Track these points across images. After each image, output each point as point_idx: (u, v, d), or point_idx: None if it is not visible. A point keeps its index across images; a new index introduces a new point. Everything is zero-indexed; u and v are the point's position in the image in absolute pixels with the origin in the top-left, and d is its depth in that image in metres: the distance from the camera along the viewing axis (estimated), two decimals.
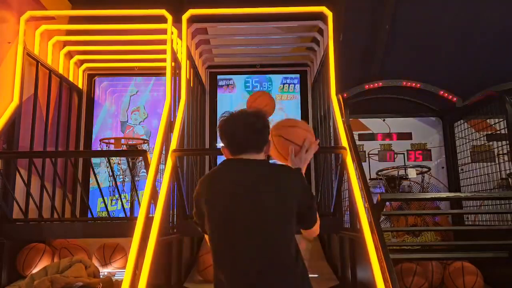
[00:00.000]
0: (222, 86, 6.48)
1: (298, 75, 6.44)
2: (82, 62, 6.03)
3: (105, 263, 4.56)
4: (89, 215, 5.13)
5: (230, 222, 1.70)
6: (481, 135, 5.13)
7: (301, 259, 1.74)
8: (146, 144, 5.47)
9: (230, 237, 1.69)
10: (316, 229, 1.88)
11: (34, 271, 4.03)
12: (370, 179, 5.32)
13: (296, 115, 6.30)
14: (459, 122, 5.50)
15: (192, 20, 4.85)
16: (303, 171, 1.92)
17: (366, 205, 3.34)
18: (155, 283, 3.10)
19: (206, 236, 1.88)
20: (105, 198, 4.51)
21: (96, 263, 4.41)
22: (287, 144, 1.96)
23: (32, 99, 4.77)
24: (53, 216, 4.69)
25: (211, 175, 1.89)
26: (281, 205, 1.70)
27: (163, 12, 4.69)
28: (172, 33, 4.70)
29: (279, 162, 2.00)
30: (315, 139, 2.03)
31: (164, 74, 4.59)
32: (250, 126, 1.80)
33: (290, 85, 6.41)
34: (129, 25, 5.14)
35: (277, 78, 6.47)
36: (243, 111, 1.88)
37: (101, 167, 5.85)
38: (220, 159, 6.04)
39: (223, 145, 1.87)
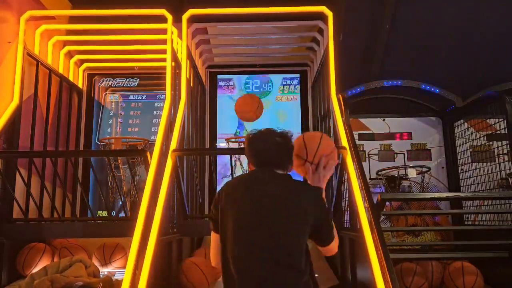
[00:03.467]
0: (222, 86, 6.49)
1: (298, 75, 6.44)
2: (82, 62, 6.03)
3: (105, 263, 4.55)
4: (89, 215, 5.16)
5: (249, 224, 1.75)
6: (481, 135, 5.13)
7: (311, 273, 1.77)
8: (147, 144, 5.47)
9: (247, 238, 1.73)
10: (333, 246, 1.90)
11: (34, 270, 4.02)
12: (370, 179, 5.32)
13: (296, 115, 6.30)
14: (459, 122, 5.50)
15: (192, 20, 4.85)
16: (323, 187, 1.96)
17: (366, 205, 3.34)
18: (155, 283, 3.10)
19: (213, 236, 1.92)
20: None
21: (96, 263, 4.40)
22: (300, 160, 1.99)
23: (32, 99, 4.77)
24: (53, 216, 4.69)
25: (235, 178, 1.99)
26: (298, 218, 1.75)
27: (163, 12, 4.69)
28: (172, 33, 4.70)
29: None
30: (336, 156, 2.06)
31: (164, 75, 4.59)
32: (277, 146, 1.89)
33: (290, 85, 6.40)
34: (129, 25, 5.14)
35: (277, 78, 6.47)
36: (271, 130, 1.95)
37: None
38: (220, 159, 6.05)
39: (248, 161, 1.97)
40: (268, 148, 1.88)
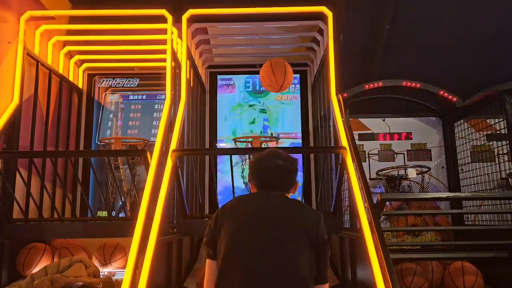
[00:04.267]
0: (222, 86, 6.49)
1: (298, 75, 6.43)
2: (82, 62, 6.03)
3: (105, 263, 4.55)
4: (89, 215, 5.16)
5: (250, 241, 1.74)
6: (481, 135, 5.13)
7: None
8: (147, 144, 5.47)
9: (248, 257, 1.72)
10: None
11: (34, 271, 4.02)
12: (370, 179, 5.32)
13: (296, 115, 6.30)
14: (459, 122, 5.50)
15: (192, 20, 4.85)
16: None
17: (366, 205, 3.34)
18: (155, 283, 3.10)
19: (209, 265, 1.91)
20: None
21: (96, 263, 4.41)
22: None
23: (32, 99, 4.77)
24: (53, 216, 4.69)
25: (239, 198, 2.00)
26: (298, 234, 1.75)
27: (163, 12, 4.69)
28: (172, 33, 4.70)
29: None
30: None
31: (164, 75, 4.59)
32: (280, 169, 1.91)
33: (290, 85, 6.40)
34: (129, 25, 5.13)
35: None
36: (273, 153, 1.98)
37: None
38: (220, 158, 6.05)
39: (251, 182, 1.98)
40: (269, 171, 1.91)
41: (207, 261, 1.91)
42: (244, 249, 1.72)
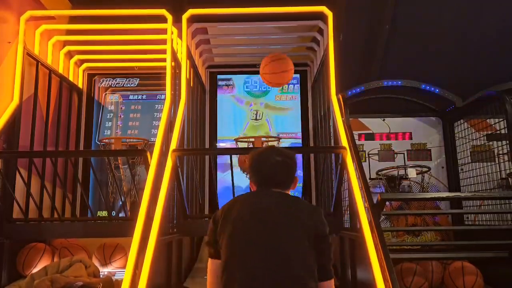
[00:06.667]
0: (222, 86, 6.49)
1: (298, 75, 6.43)
2: (82, 62, 6.03)
3: (105, 263, 4.56)
4: (89, 215, 5.15)
5: (250, 241, 1.74)
6: (481, 135, 5.13)
7: None
8: (147, 144, 5.47)
9: (249, 257, 1.71)
10: (332, 286, 1.86)
11: (34, 271, 4.03)
12: (370, 179, 5.32)
13: (296, 115, 6.30)
14: (459, 122, 5.50)
15: (192, 20, 4.85)
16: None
17: (366, 205, 3.34)
18: (155, 283, 3.10)
19: (212, 264, 1.90)
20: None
21: (96, 263, 4.41)
22: None
23: (32, 99, 4.77)
24: (53, 216, 4.69)
25: (237, 197, 1.97)
26: (297, 233, 1.74)
27: (163, 12, 4.69)
28: (172, 33, 4.70)
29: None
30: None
31: (164, 75, 4.59)
32: (280, 165, 1.90)
33: (290, 85, 6.40)
34: (129, 25, 5.14)
35: None
36: (272, 149, 2.00)
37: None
38: (220, 158, 6.05)
39: (250, 179, 1.97)
40: (268, 167, 1.90)
41: (209, 260, 1.91)
42: (244, 254, 1.71)
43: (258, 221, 1.76)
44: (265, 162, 1.92)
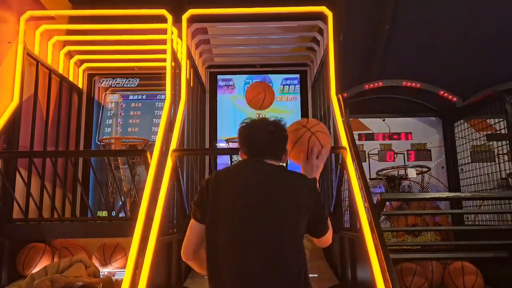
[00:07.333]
0: (222, 86, 6.49)
1: (298, 75, 6.44)
2: (82, 62, 6.03)
3: (105, 263, 4.56)
4: (89, 215, 5.16)
5: (240, 214, 1.70)
6: (481, 135, 5.13)
7: (306, 274, 1.72)
8: (147, 144, 5.47)
9: (236, 229, 1.68)
10: (328, 238, 1.88)
11: (34, 271, 4.03)
12: (370, 179, 5.32)
13: (296, 115, 6.30)
14: (459, 122, 5.50)
15: (192, 20, 4.85)
16: (317, 177, 1.96)
17: (366, 205, 3.34)
18: (155, 283, 3.10)
19: (195, 226, 1.81)
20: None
21: (96, 263, 4.41)
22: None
23: (32, 99, 4.77)
24: (53, 216, 4.69)
25: (227, 168, 1.93)
26: (293, 214, 1.71)
27: (163, 12, 4.69)
28: (172, 33, 4.70)
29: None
30: (329, 147, 2.07)
31: (164, 75, 4.59)
32: (270, 135, 1.85)
33: (290, 85, 6.40)
34: (129, 25, 5.14)
35: (277, 78, 6.47)
36: (264, 119, 1.92)
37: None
38: (220, 158, 6.05)
39: (241, 150, 1.91)
40: (261, 137, 1.84)
41: (192, 221, 1.82)
42: (234, 240, 1.68)
43: (255, 196, 1.71)
44: (258, 132, 1.86)
